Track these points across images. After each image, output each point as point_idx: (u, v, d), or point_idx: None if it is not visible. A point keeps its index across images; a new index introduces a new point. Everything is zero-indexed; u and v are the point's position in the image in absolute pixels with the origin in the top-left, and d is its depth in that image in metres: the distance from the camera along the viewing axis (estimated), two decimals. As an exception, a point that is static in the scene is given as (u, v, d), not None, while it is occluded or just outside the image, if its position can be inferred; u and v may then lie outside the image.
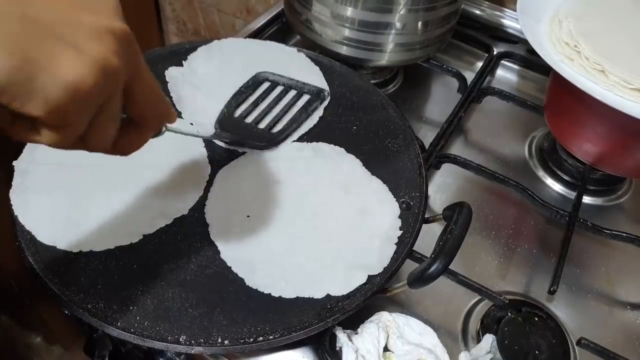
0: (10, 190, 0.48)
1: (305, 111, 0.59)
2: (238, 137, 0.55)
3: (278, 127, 0.57)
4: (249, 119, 0.58)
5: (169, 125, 0.38)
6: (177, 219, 0.48)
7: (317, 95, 0.61)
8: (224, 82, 0.61)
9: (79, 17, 0.27)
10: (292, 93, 0.61)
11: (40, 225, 0.46)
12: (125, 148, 0.34)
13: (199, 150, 0.54)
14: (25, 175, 0.49)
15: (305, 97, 0.61)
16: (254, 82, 0.61)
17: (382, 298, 0.48)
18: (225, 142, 0.54)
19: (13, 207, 0.47)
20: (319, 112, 0.60)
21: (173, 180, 0.51)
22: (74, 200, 0.48)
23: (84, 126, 0.29)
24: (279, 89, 0.61)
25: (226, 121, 0.57)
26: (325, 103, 0.60)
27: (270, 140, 0.55)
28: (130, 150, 0.34)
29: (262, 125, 0.57)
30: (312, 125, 0.58)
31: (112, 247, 0.46)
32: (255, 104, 0.59)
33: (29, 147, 0.51)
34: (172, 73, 0.62)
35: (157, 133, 0.37)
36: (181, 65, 0.63)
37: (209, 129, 0.55)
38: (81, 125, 0.28)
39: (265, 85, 0.61)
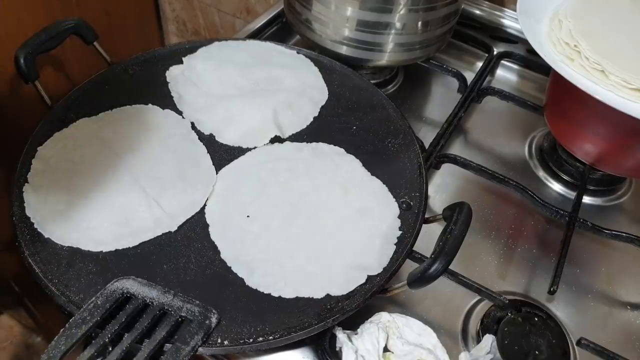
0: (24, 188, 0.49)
1: (177, 355, 0.38)
2: None
3: None
4: None
5: None
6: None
7: (200, 320, 0.40)
8: (224, 80, 0.61)
9: None
10: (165, 320, 0.40)
11: (47, 221, 0.47)
12: None
13: (201, 152, 0.54)
14: (42, 175, 0.50)
15: (185, 327, 0.40)
16: (107, 300, 0.40)
17: (382, 298, 0.48)
18: None
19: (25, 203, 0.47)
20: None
21: (177, 185, 0.51)
22: (77, 201, 0.48)
23: None
24: (145, 312, 0.40)
25: None
26: (210, 334, 0.41)
27: None
28: None
29: None
30: (304, 126, 0.58)
31: (112, 249, 0.46)
32: (104, 343, 0.38)
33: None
34: (172, 73, 0.62)
35: None
36: (181, 62, 0.63)
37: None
38: None
39: (128, 307, 0.40)
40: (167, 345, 0.39)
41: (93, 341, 0.38)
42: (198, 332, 0.40)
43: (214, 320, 0.41)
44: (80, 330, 0.38)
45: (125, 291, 0.41)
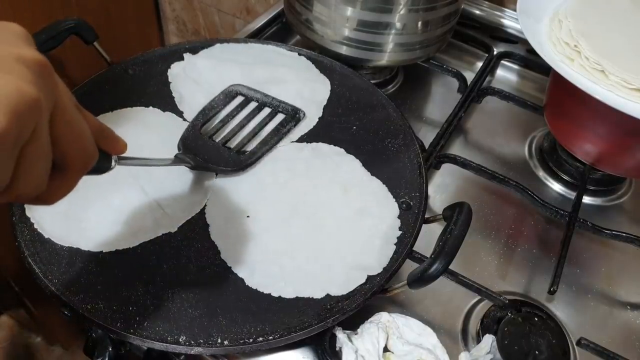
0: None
1: (278, 133, 0.55)
2: (202, 162, 0.51)
3: (247, 149, 0.54)
4: (217, 138, 0.54)
5: (123, 156, 0.35)
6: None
7: (292, 115, 0.57)
8: (226, 80, 0.61)
9: None
10: (266, 111, 0.58)
11: (46, 221, 0.47)
12: (48, 196, 0.29)
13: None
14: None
15: (280, 117, 0.57)
16: (226, 97, 0.58)
17: (382, 298, 0.48)
18: (188, 167, 0.50)
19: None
20: (308, 123, 0.58)
21: (177, 185, 0.51)
22: (77, 201, 0.48)
23: (8, 170, 0.24)
24: (252, 105, 0.58)
25: (191, 139, 0.53)
26: (301, 124, 0.57)
27: (237, 164, 0.52)
28: (55, 199, 0.30)
29: (230, 145, 0.54)
30: (311, 127, 0.58)
31: (113, 249, 0.46)
32: (225, 121, 0.56)
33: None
34: (174, 71, 0.62)
35: (106, 168, 0.34)
36: (182, 59, 0.63)
37: (169, 156, 0.50)
38: (4, 170, 0.23)
39: (238, 100, 0.58)
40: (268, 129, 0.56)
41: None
42: (291, 121, 0.57)
43: (301, 115, 0.57)
44: (212, 112, 0.56)
45: (238, 91, 0.59)
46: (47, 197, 0.29)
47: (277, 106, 0.58)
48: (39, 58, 0.25)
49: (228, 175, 0.52)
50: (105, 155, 0.34)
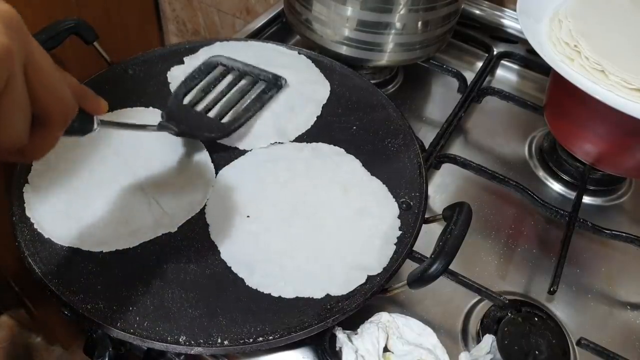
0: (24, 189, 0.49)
1: (260, 99, 0.57)
2: (186, 128, 0.52)
3: (230, 116, 0.55)
4: (200, 107, 0.55)
5: (105, 120, 0.35)
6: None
7: (273, 82, 0.58)
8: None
9: None
10: (247, 80, 0.59)
11: (46, 220, 0.47)
12: (31, 151, 0.30)
13: (201, 151, 0.54)
14: (42, 175, 0.50)
15: (261, 85, 0.59)
16: (207, 67, 0.58)
17: (382, 298, 0.48)
18: (173, 133, 0.51)
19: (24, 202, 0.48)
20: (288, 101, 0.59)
21: (177, 184, 0.51)
22: (77, 200, 0.48)
23: None
24: (232, 74, 0.59)
25: (175, 109, 0.54)
26: (282, 91, 0.59)
27: (221, 130, 0.53)
28: (39, 154, 0.30)
29: (213, 114, 0.55)
30: (309, 126, 0.58)
31: (113, 249, 0.46)
32: (207, 90, 0.57)
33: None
34: (174, 73, 0.62)
35: (89, 130, 0.34)
36: (182, 63, 0.63)
37: (153, 122, 0.51)
38: None
39: (219, 70, 0.59)
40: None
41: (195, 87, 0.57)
42: (272, 89, 0.58)
43: (283, 82, 0.58)
44: (194, 82, 0.57)
45: (219, 62, 0.59)
46: (31, 152, 0.30)
47: (257, 75, 0.59)
48: (8, 9, 0.26)
49: (228, 167, 0.52)
50: (87, 116, 0.35)
